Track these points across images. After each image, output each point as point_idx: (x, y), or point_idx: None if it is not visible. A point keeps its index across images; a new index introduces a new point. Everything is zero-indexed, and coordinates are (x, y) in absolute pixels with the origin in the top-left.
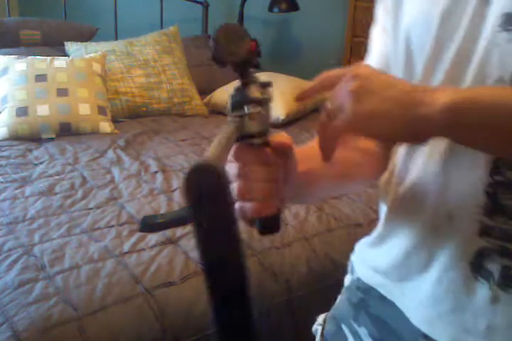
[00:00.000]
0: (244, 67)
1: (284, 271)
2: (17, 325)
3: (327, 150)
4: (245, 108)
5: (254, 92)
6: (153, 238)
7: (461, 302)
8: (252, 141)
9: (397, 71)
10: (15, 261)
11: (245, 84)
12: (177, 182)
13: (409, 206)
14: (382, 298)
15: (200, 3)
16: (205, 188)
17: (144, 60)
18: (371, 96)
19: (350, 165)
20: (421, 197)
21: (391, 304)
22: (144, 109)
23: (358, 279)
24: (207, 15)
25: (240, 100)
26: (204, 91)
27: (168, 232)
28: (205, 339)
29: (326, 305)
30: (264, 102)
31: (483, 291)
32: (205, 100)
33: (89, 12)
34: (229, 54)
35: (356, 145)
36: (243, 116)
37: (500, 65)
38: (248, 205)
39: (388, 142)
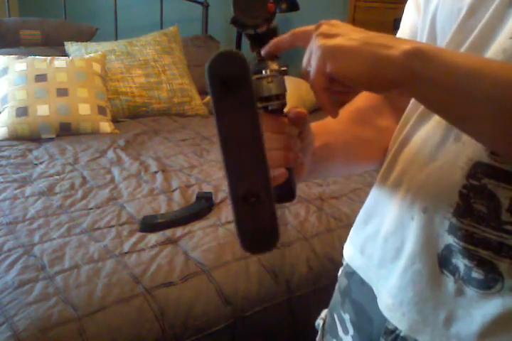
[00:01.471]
0: (265, 37)
1: (284, 271)
2: (17, 325)
3: (325, 105)
4: (263, 71)
5: (272, 64)
6: (153, 238)
7: (423, 293)
8: (268, 104)
9: None
10: (15, 261)
11: (262, 59)
12: (177, 182)
13: (393, 189)
14: (362, 282)
15: (200, 3)
16: (231, 73)
17: (144, 60)
18: (337, 36)
19: (367, 142)
20: (405, 185)
21: (369, 289)
22: (144, 109)
23: (347, 264)
24: (207, 15)
25: (258, 66)
26: (204, 91)
27: (168, 232)
28: (205, 339)
29: (326, 305)
30: (282, 72)
31: (448, 284)
32: (205, 100)
33: (89, 12)
34: (249, 17)
35: (376, 124)
36: (261, 79)
37: None
38: None
39: (362, 87)
